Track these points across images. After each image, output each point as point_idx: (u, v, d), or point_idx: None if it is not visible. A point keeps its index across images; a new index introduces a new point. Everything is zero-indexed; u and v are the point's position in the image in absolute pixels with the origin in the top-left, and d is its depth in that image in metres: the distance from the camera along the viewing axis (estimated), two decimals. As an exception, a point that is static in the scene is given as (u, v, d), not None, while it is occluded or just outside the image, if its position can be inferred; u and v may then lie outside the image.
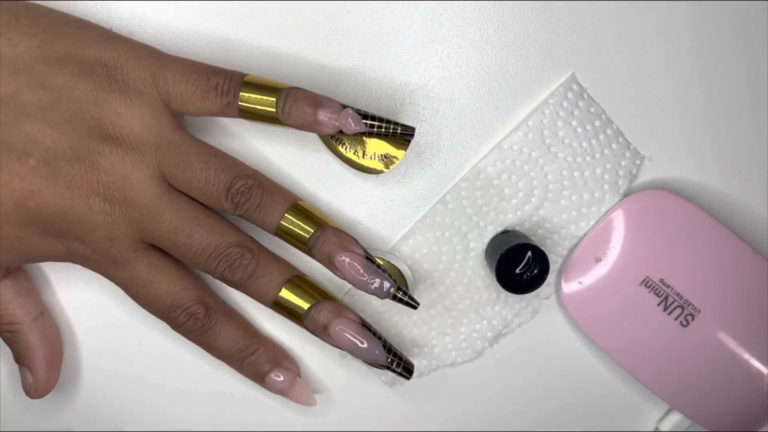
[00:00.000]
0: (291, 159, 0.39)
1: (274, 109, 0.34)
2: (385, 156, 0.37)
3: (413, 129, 0.35)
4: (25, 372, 0.38)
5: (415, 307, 0.36)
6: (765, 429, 0.41)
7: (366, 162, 0.37)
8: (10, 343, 0.38)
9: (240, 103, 0.34)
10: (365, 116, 0.35)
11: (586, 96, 0.38)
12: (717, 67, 0.39)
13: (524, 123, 0.38)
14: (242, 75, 0.35)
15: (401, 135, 0.35)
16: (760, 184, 0.40)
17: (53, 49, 0.33)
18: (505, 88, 0.38)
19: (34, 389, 0.38)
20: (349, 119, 0.34)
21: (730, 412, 0.40)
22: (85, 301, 0.40)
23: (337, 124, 0.34)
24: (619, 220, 0.39)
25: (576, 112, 0.38)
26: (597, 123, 0.39)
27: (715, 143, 0.40)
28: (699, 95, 0.39)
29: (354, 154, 0.37)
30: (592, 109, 0.39)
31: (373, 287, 0.35)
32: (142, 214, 0.34)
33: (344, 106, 0.34)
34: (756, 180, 0.40)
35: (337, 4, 0.37)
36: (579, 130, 0.39)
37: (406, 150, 0.37)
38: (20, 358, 0.38)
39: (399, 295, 0.35)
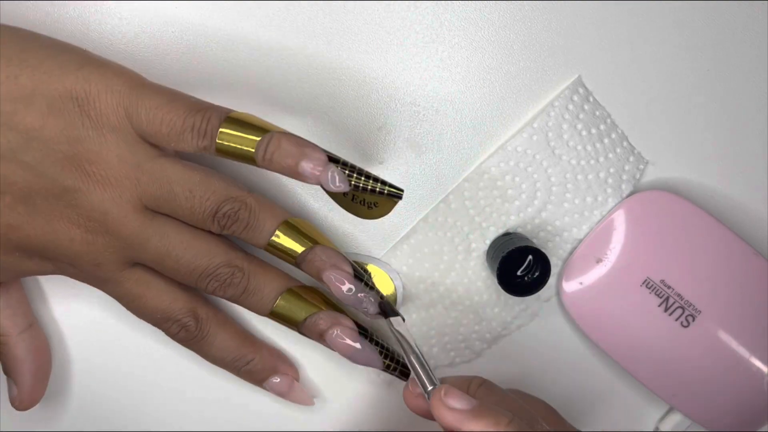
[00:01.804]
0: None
1: (253, 150, 0.32)
2: (373, 204, 0.35)
3: (401, 191, 0.34)
4: (11, 384, 0.38)
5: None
6: (765, 429, 0.41)
7: (349, 205, 0.35)
8: None
9: (218, 141, 0.32)
10: (353, 169, 0.33)
11: (591, 99, 0.38)
12: (718, 68, 0.39)
13: (529, 125, 0.38)
14: (225, 112, 0.33)
15: (388, 195, 0.33)
16: (761, 184, 0.40)
17: (19, 84, 0.32)
18: (505, 88, 0.38)
19: (18, 402, 0.38)
20: (334, 175, 0.32)
21: (730, 412, 0.40)
22: (83, 305, 0.40)
23: (319, 178, 0.32)
24: (620, 220, 0.39)
25: (581, 116, 0.38)
26: (602, 126, 0.39)
27: (716, 144, 0.40)
28: (699, 96, 0.39)
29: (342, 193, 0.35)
30: (597, 113, 0.38)
31: (360, 305, 0.35)
32: (126, 243, 0.34)
33: (330, 159, 0.33)
34: (756, 181, 0.40)
35: (337, 3, 0.37)
36: (584, 133, 0.38)
37: (393, 208, 0.34)
38: (6, 370, 0.38)
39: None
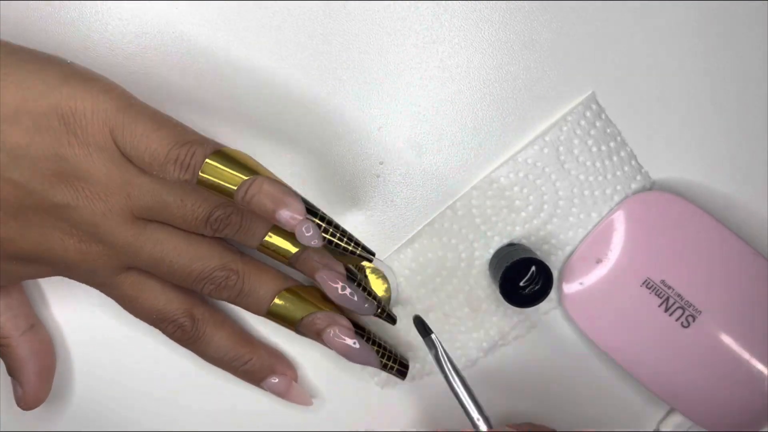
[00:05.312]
0: (289, 159, 0.38)
1: (234, 188, 0.32)
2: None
3: (373, 254, 0.34)
4: (15, 384, 0.38)
5: (393, 323, 0.37)
6: (766, 430, 0.41)
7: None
8: (1, 355, 0.38)
9: (200, 174, 0.32)
10: (329, 224, 0.33)
11: (603, 116, 0.38)
12: (717, 69, 0.38)
13: (541, 138, 0.38)
14: (212, 148, 0.32)
15: (359, 256, 0.34)
16: (761, 184, 0.40)
17: (2, 102, 0.31)
18: (506, 88, 0.38)
19: (23, 402, 0.38)
20: (309, 229, 0.32)
21: (731, 413, 0.40)
22: (81, 308, 0.40)
23: (294, 228, 0.32)
24: (620, 221, 0.39)
25: (592, 132, 0.38)
26: (612, 144, 0.38)
27: (716, 144, 0.39)
28: (700, 96, 0.39)
29: None
30: (608, 130, 0.38)
31: (352, 304, 0.35)
32: (120, 251, 0.34)
33: (309, 210, 0.32)
34: (757, 181, 0.40)
35: (337, 4, 0.37)
36: (594, 149, 0.38)
37: (359, 263, 0.37)
38: (10, 371, 0.38)
39: (377, 313, 0.36)
